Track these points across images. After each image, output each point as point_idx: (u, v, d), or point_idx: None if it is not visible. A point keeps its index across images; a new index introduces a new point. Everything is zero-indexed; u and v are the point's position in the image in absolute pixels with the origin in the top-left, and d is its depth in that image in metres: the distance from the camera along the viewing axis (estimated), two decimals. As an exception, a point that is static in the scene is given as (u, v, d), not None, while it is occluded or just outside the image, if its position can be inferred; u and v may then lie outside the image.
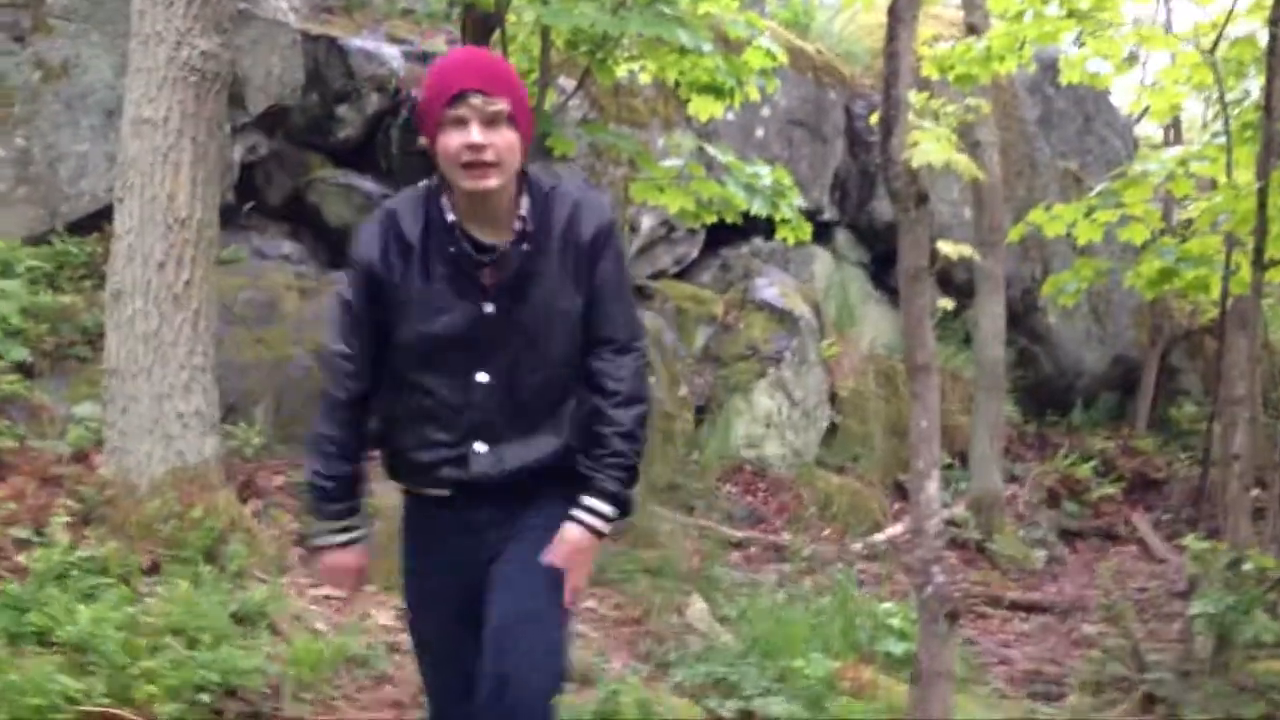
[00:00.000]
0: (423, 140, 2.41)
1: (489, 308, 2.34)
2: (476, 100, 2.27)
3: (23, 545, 3.88)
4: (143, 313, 4.55)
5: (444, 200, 2.38)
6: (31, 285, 5.20)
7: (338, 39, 7.22)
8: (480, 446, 2.37)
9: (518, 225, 2.36)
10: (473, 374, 2.36)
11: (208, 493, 4.40)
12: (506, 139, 2.30)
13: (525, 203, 2.39)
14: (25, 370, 4.83)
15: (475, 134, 2.27)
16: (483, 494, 2.40)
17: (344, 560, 2.55)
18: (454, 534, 2.45)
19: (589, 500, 2.38)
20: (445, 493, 2.43)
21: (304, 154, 7.22)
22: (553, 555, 2.37)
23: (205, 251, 4.77)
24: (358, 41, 7.31)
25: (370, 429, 2.48)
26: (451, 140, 2.29)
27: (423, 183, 2.44)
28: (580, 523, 2.37)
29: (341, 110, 7.20)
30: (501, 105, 2.29)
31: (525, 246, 2.36)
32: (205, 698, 3.37)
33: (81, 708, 3.07)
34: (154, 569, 4.02)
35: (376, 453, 2.52)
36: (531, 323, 2.36)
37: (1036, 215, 7.32)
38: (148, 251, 4.60)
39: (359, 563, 2.56)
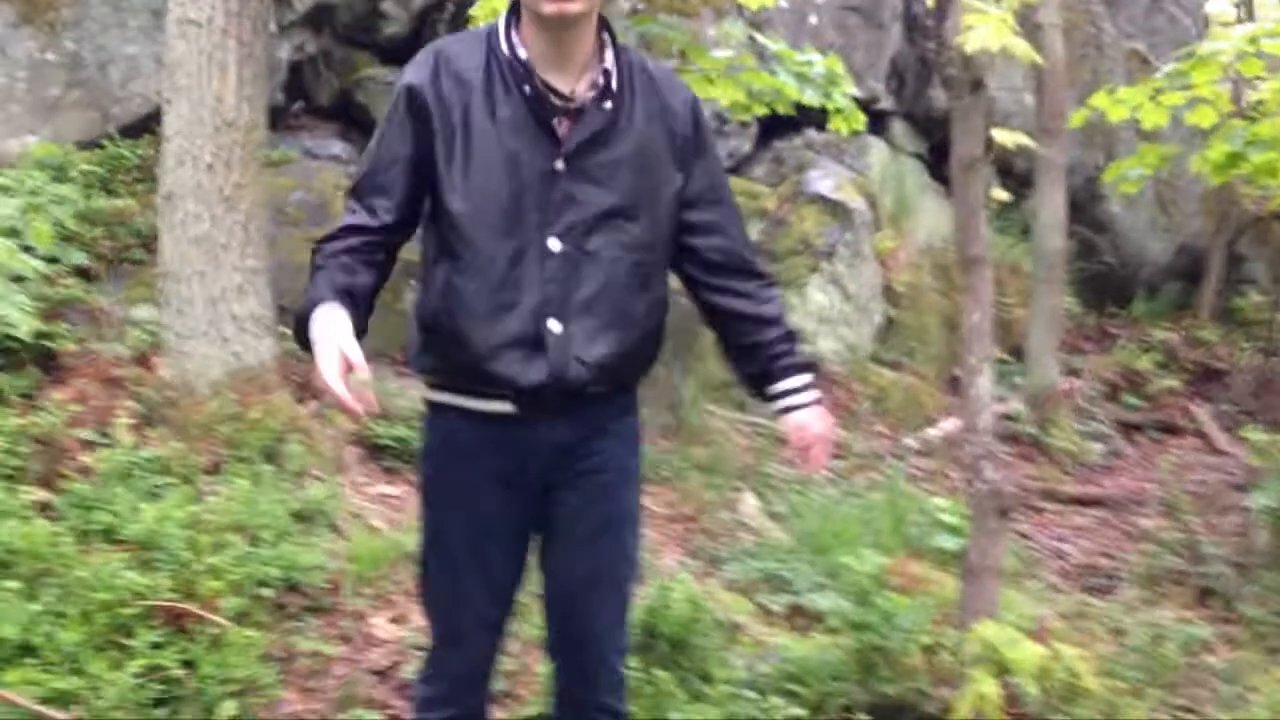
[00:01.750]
0: None
1: (560, 164, 2.06)
2: None
3: (87, 446, 3.98)
4: (194, 215, 4.58)
5: (514, 36, 2.09)
6: (86, 189, 5.25)
7: (381, -68, 7.09)
8: (555, 325, 2.06)
9: (600, 79, 2.10)
10: (545, 240, 2.06)
11: (265, 394, 4.48)
12: None
13: (609, 56, 2.13)
14: (83, 274, 4.91)
15: None
16: (552, 406, 2.10)
17: (340, 333, 1.97)
18: (508, 455, 2.15)
19: (801, 379, 2.27)
20: (508, 408, 2.11)
21: (351, 52, 7.16)
22: (820, 454, 2.27)
23: (254, 153, 4.78)
24: (402, -66, 7.18)
25: (423, 312, 2.13)
26: None
27: (483, 25, 2.22)
28: (815, 403, 2.28)
29: (388, 6, 7.11)
30: None
31: (608, 104, 2.10)
32: (267, 592, 3.47)
33: (148, 602, 3.16)
34: (215, 469, 4.11)
35: (418, 362, 2.18)
36: (613, 190, 2.09)
37: (1099, 99, 7.08)
38: (197, 154, 4.62)
39: (353, 345, 1.98)
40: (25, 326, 4.11)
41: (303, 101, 6.91)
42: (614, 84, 2.11)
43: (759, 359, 2.28)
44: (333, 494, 4.15)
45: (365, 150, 2.19)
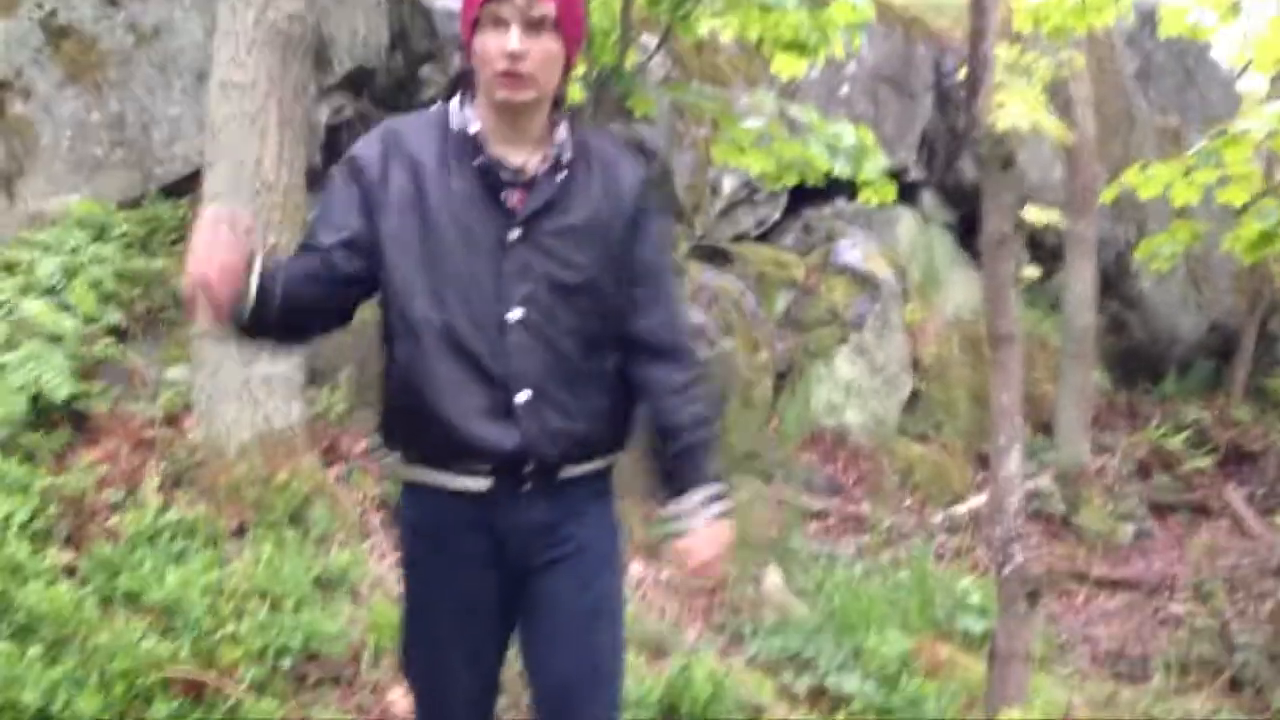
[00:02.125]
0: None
1: (514, 233, 2.07)
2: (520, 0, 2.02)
3: (115, 507, 3.99)
4: (230, 278, 4.62)
5: (467, 112, 2.12)
6: (125, 248, 5.31)
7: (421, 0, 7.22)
8: (521, 396, 2.05)
9: (553, 151, 2.12)
10: (504, 311, 2.05)
11: (293, 457, 4.48)
12: (547, 49, 2.05)
13: (563, 130, 2.15)
14: (119, 333, 4.94)
15: (514, 39, 2.02)
16: (527, 483, 2.09)
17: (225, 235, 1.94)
18: (486, 536, 2.12)
19: (696, 496, 2.17)
20: (483, 485, 2.08)
21: (389, 115, 7.22)
22: (705, 572, 2.20)
23: (291, 215, 4.83)
24: (440, 2, 7.30)
25: (390, 388, 2.11)
26: (489, 43, 2.04)
27: (437, 104, 2.20)
28: (724, 515, 2.19)
29: (425, 71, 7.22)
30: (548, 10, 2.03)
31: (560, 175, 2.11)
32: (287, 662, 3.45)
33: (166, 672, 3.15)
34: (240, 532, 4.11)
35: (390, 439, 2.15)
36: (568, 261, 2.08)
37: (1131, 176, 7.08)
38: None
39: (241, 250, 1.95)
40: (60, 390, 4.15)
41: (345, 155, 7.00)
42: (565, 158, 2.13)
43: (663, 463, 2.22)
44: (356, 560, 4.14)
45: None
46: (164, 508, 4.00)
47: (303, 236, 2.17)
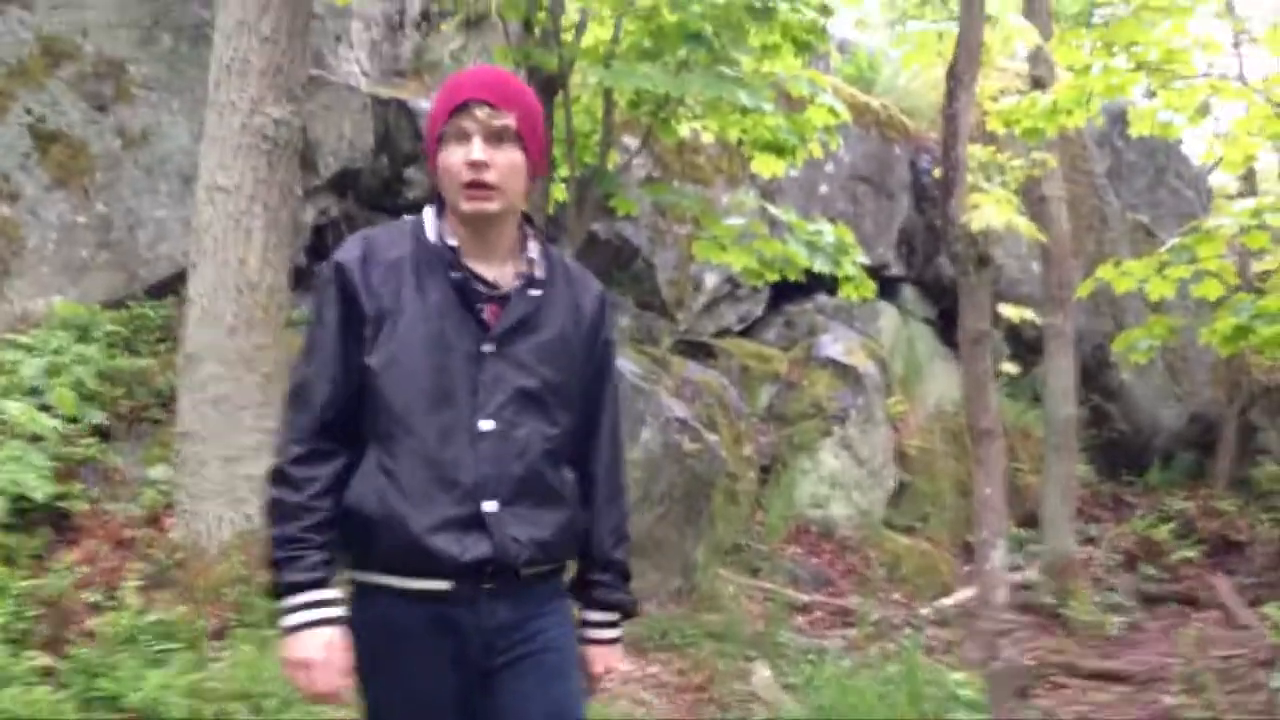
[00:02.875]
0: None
1: (488, 346, 2.09)
2: (481, 112, 2.07)
3: (94, 609, 3.95)
4: (214, 376, 4.65)
5: (441, 225, 2.15)
6: (109, 348, 5.33)
7: (407, 102, 7.36)
8: (490, 506, 2.05)
9: (525, 267, 2.16)
10: (476, 420, 2.06)
11: (274, 556, 4.45)
12: (511, 159, 2.09)
13: (534, 246, 2.20)
14: (101, 433, 4.94)
15: (477, 149, 2.06)
16: (489, 585, 2.07)
17: (318, 644, 2.01)
18: (447, 636, 2.08)
19: (610, 616, 2.28)
20: (444, 585, 2.05)
21: (374, 215, 7.34)
22: (594, 688, 2.29)
23: (276, 315, 4.87)
24: (426, 104, 7.44)
25: (351, 497, 2.08)
26: (453, 155, 2.08)
27: (407, 217, 2.23)
28: (615, 641, 2.29)
29: (410, 172, 7.33)
30: (509, 120, 2.08)
31: (534, 292, 2.15)
32: (267, 766, 3.39)
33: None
34: (221, 633, 4.06)
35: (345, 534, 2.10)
36: (537, 373, 2.12)
37: (1106, 272, 7.20)
38: (219, 315, 4.71)
39: (344, 649, 2.04)
40: (40, 491, 4.13)
41: (324, 264, 7.06)
42: (540, 273, 2.18)
43: (579, 574, 2.30)
44: (338, 660, 4.08)
45: (304, 342, 2.17)
46: (144, 609, 3.97)
47: (300, 391, 2.13)
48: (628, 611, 2.32)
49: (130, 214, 6.01)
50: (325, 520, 2.05)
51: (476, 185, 2.07)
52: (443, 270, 2.11)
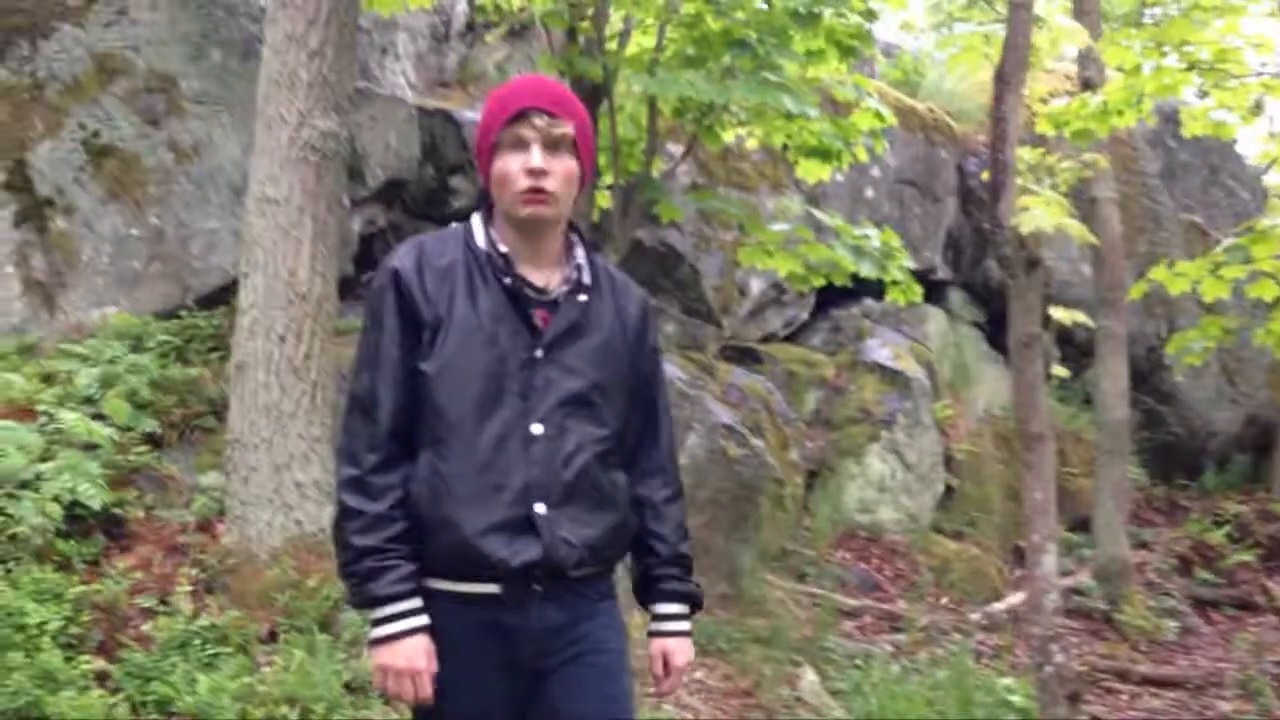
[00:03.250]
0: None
1: (539, 351, 2.13)
2: (540, 120, 2.10)
3: (148, 614, 4.01)
4: (264, 385, 4.71)
5: (491, 232, 2.18)
6: (161, 358, 5.42)
7: (452, 113, 7.43)
8: (541, 508, 2.07)
9: (574, 273, 2.20)
10: (528, 424, 2.09)
11: (324, 561, 4.51)
12: (568, 167, 2.13)
13: (581, 252, 2.24)
14: (154, 441, 5.02)
15: (537, 157, 2.10)
16: (540, 588, 2.09)
17: (416, 651, 2.05)
18: (497, 639, 2.10)
19: (677, 608, 2.29)
20: (494, 588, 2.08)
21: (420, 225, 7.41)
22: (672, 685, 2.31)
23: (324, 324, 4.93)
24: (471, 114, 7.50)
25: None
26: (510, 163, 2.11)
27: (455, 225, 2.26)
28: (687, 634, 2.30)
29: (456, 182, 7.39)
30: (567, 129, 2.12)
31: (582, 297, 2.19)
32: (316, 769, 3.43)
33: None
34: (271, 637, 4.12)
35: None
36: (586, 377, 2.15)
37: (1159, 273, 7.10)
38: (269, 325, 4.78)
39: (430, 654, 2.07)
40: (96, 498, 4.21)
41: (372, 273, 7.13)
42: (586, 279, 2.21)
43: (645, 572, 2.31)
44: (386, 665, 4.12)
45: (362, 349, 2.17)
46: (195, 614, 4.03)
47: (368, 400, 2.14)
48: (697, 602, 2.34)
49: (182, 226, 6.10)
50: (406, 529, 2.07)
51: (535, 191, 2.10)
52: (494, 276, 2.15)
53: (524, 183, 2.10)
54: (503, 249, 2.16)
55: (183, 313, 5.84)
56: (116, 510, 4.46)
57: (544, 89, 2.16)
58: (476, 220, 2.23)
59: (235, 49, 6.31)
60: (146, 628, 3.92)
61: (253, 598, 4.23)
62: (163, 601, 4.09)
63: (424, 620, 2.06)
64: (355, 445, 2.11)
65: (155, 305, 5.93)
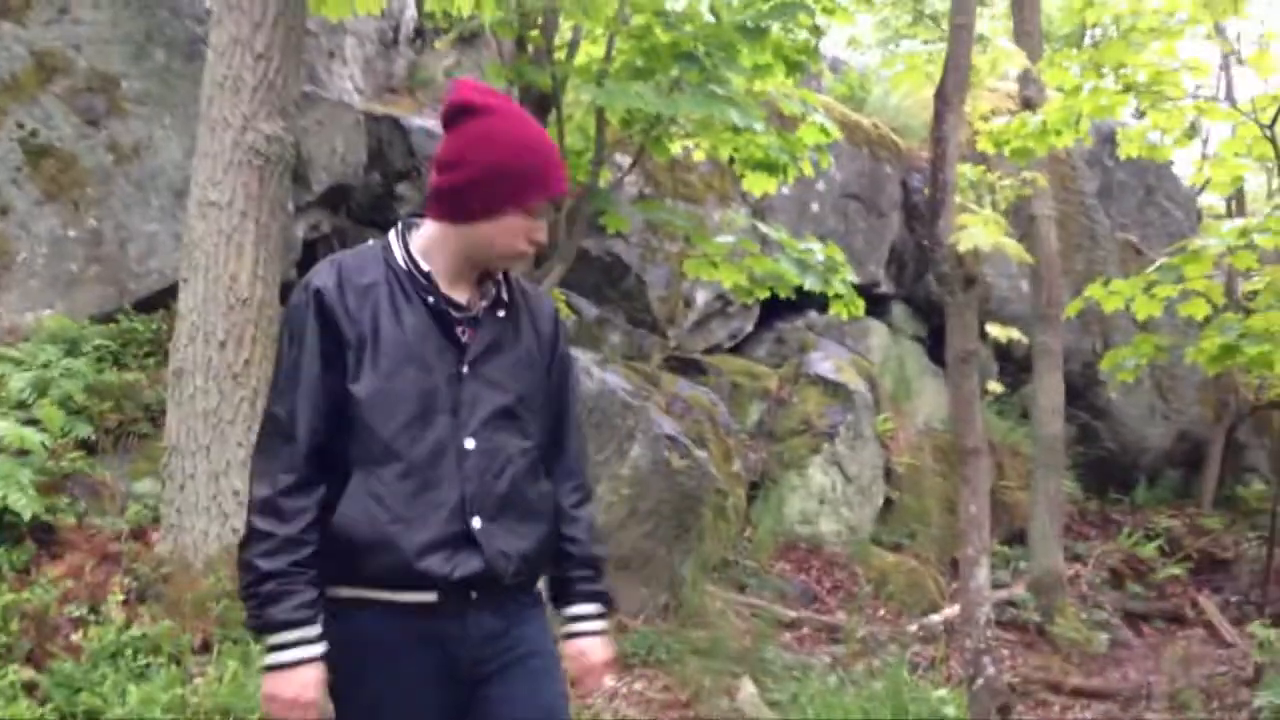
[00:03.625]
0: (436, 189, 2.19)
1: (465, 368, 2.15)
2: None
3: (79, 623, 3.95)
4: (203, 391, 4.65)
5: (412, 250, 2.19)
6: (97, 363, 5.33)
7: (400, 119, 7.40)
8: (478, 522, 2.10)
9: (493, 289, 2.23)
10: (461, 439, 2.11)
11: (260, 570, 4.45)
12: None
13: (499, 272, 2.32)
14: (88, 447, 4.94)
15: (543, 231, 2.20)
16: (475, 596, 2.11)
17: (306, 682, 2.03)
18: (434, 650, 2.10)
19: (591, 608, 2.33)
20: (430, 597, 2.08)
21: (366, 231, 7.36)
22: (593, 681, 2.36)
23: (266, 330, 4.88)
24: (418, 120, 7.48)
25: (334, 522, 2.08)
26: (517, 225, 2.15)
27: (370, 241, 2.27)
28: (603, 634, 2.34)
29: (402, 188, 7.36)
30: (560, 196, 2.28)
31: (501, 312, 2.24)
32: (249, 781, 3.39)
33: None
34: (205, 648, 4.06)
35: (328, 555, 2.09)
36: (511, 391, 2.19)
37: (1094, 290, 7.24)
38: (209, 330, 4.72)
39: (320, 687, 2.05)
40: (26, 505, 4.13)
41: (296, 289, 7.07)
42: (505, 295, 2.26)
43: (559, 574, 2.36)
44: (323, 676, 4.08)
45: (280, 367, 2.15)
46: (127, 623, 3.96)
47: (284, 399, 2.11)
48: (610, 603, 2.39)
49: (121, 228, 6.02)
50: (313, 554, 2.06)
51: (528, 254, 2.21)
52: (417, 294, 2.15)
53: (522, 247, 2.17)
54: (425, 267, 2.16)
55: (120, 317, 5.75)
56: (48, 518, 4.37)
57: (561, 169, 2.21)
58: (394, 237, 2.23)
59: (179, 50, 6.24)
60: (76, 637, 3.86)
61: (187, 607, 4.17)
62: (94, 610, 4.03)
63: (319, 650, 2.04)
64: (271, 466, 2.09)
65: (92, 308, 5.83)
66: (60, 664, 3.65)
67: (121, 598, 4.09)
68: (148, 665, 3.77)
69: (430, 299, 2.15)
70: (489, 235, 2.15)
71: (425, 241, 2.21)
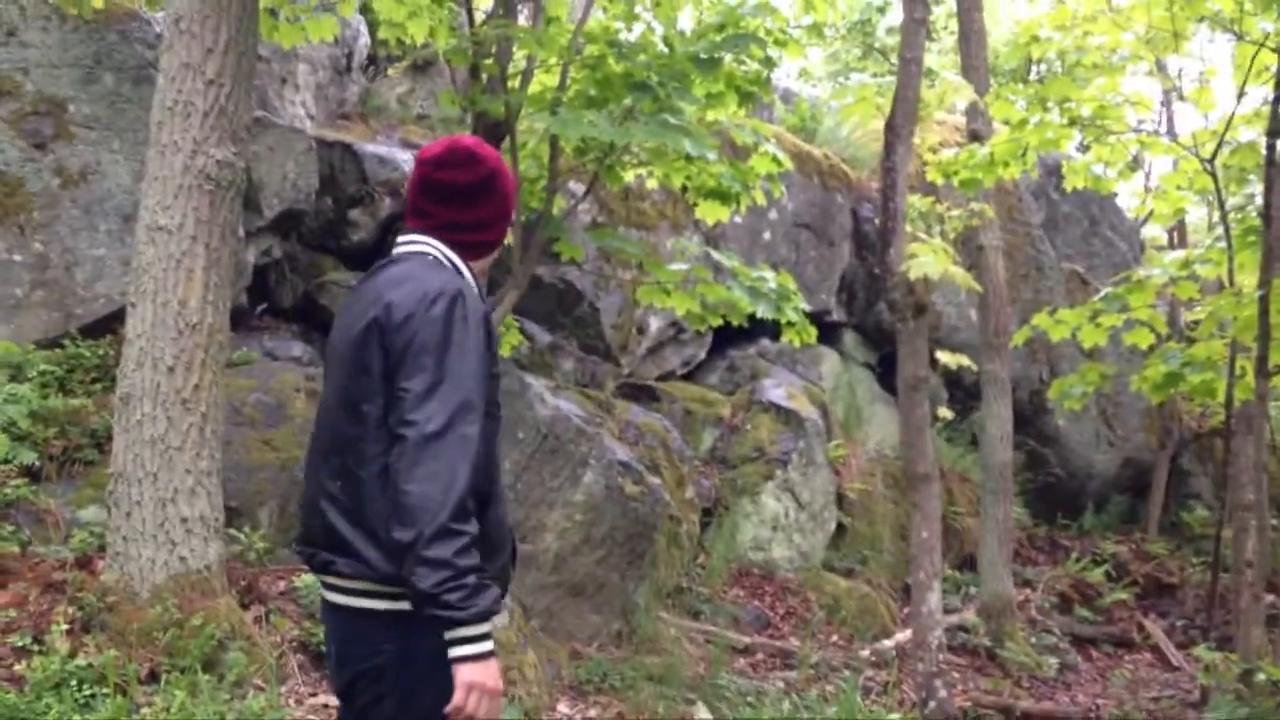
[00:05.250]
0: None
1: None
2: None
3: (22, 653, 3.87)
4: (150, 417, 4.59)
5: (468, 276, 2.38)
6: (42, 388, 5.26)
7: (353, 145, 7.38)
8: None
9: None
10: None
11: (209, 599, 4.40)
12: None
13: None
14: (32, 474, 4.86)
15: None
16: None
17: (499, 671, 2.17)
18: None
19: None
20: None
21: (317, 257, 7.34)
22: None
23: (215, 356, 4.83)
24: (371, 147, 7.47)
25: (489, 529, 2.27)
26: None
27: (432, 256, 2.35)
28: None
29: (354, 214, 7.33)
30: None
31: None
32: (197, 813, 3.33)
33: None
34: (152, 677, 4.00)
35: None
36: None
37: (1041, 319, 7.36)
38: (158, 356, 4.66)
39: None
40: (-32, 532, 4.05)
41: (266, 303, 7.02)
42: None
43: None
44: (272, 704, 4.03)
45: (451, 362, 2.18)
46: (72, 653, 3.89)
47: (478, 397, 2.22)
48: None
49: (67, 253, 5.95)
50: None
51: None
52: (482, 308, 2.32)
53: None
54: (476, 287, 2.39)
55: (66, 342, 5.68)
56: (-10, 546, 4.30)
57: None
58: (457, 260, 2.38)
59: (128, 74, 6.20)
60: (20, 668, 3.78)
61: (133, 636, 4.11)
62: (37, 640, 3.95)
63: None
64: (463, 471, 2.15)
65: (37, 333, 5.75)
66: (3, 695, 3.58)
67: (66, 627, 4.01)
68: (93, 695, 3.71)
69: (492, 311, 2.47)
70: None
71: (469, 273, 2.40)
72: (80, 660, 3.86)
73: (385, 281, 2.30)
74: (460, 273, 2.36)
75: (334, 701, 4.39)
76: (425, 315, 2.17)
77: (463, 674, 2.09)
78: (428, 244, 2.37)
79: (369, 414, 2.20)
